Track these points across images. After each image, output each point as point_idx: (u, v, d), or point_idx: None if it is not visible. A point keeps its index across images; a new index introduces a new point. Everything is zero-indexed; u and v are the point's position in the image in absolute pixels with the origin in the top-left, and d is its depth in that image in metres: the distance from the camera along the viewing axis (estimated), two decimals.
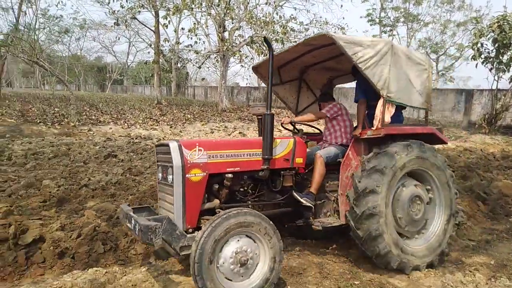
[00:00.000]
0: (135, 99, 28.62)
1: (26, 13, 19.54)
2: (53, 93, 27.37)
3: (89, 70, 54.90)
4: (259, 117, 3.89)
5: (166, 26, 18.87)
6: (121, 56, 56.05)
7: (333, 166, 3.85)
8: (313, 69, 4.94)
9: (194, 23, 20.14)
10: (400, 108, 4.07)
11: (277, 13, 20.90)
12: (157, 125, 16.63)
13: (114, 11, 20.18)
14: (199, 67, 24.83)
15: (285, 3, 22.05)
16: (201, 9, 19.10)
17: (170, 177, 3.20)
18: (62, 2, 19.88)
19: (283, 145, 3.71)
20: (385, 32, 37.87)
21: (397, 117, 4.03)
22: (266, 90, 3.61)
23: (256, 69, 4.90)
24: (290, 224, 3.99)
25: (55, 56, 28.47)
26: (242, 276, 2.90)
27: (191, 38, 20.40)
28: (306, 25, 21.56)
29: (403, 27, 38.50)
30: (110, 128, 15.29)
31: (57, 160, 8.21)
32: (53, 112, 17.29)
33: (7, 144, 9.86)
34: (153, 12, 22.92)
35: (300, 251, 4.02)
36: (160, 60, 25.42)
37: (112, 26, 23.28)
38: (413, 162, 3.65)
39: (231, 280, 2.85)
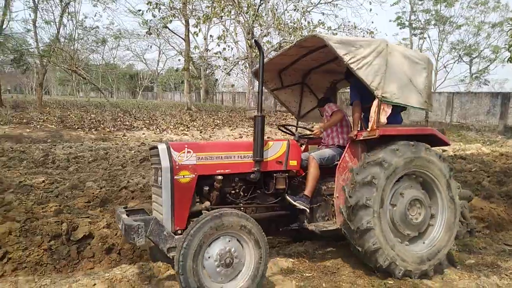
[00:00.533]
0: (165, 105, 29.44)
1: (65, 26, 20.60)
2: (88, 100, 28.61)
3: (121, 77, 56.90)
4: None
5: (197, 34, 19.46)
6: (152, 63, 57.81)
7: (331, 169, 3.74)
8: (315, 73, 4.85)
9: (223, 31, 20.58)
10: (399, 109, 3.97)
11: (305, 19, 21.01)
12: (187, 130, 17.08)
13: (147, 20, 20.95)
14: (228, 74, 25.26)
15: (313, 8, 22.15)
16: (230, 16, 19.51)
17: (159, 178, 3.24)
18: (99, 13, 20.78)
19: (276, 148, 3.70)
20: (415, 35, 37.15)
21: (394, 118, 3.91)
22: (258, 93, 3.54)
23: (256, 73, 4.64)
24: (285, 228, 3.93)
25: (90, 65, 29.74)
26: (227, 277, 2.89)
27: (220, 45, 20.85)
28: (334, 30, 21.54)
29: (434, 30, 37.51)
30: (143, 134, 15.86)
31: (96, 164, 8.66)
32: (89, 118, 18.08)
33: (50, 149, 10.48)
34: (183, 21, 23.60)
35: (333, 251, 4.11)
36: (190, 67, 26.05)
37: (144, 35, 24.09)
38: (405, 165, 3.51)
39: (216, 281, 2.86)
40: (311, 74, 4.89)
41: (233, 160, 3.52)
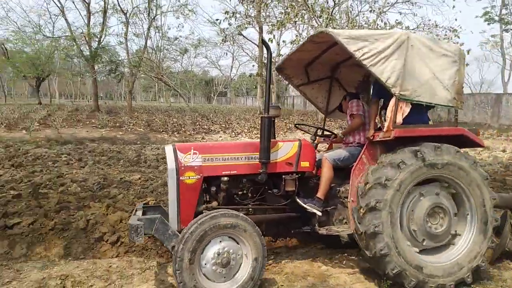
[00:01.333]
0: (239, 109, 30.55)
1: (151, 37, 22.55)
2: (170, 105, 30.79)
3: (197, 83, 60.22)
4: (272, 119, 3.79)
5: (271, 41, 19.93)
6: (225, 69, 60.21)
7: (350, 170, 3.50)
8: (344, 66, 4.48)
9: (296, 35, 20.83)
10: (424, 107, 3.60)
11: (381, 20, 20.41)
12: None
13: (224, 29, 22.04)
14: None
15: (389, 8, 21.41)
16: (303, 21, 19.71)
17: (167, 179, 3.34)
18: (181, 24, 22.40)
19: (286, 149, 3.60)
20: (506, 31, 33.80)
21: (420, 117, 3.62)
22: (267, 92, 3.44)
23: (280, 69, 4.50)
24: (297, 230, 3.85)
25: (172, 72, 32.04)
26: (224, 277, 2.93)
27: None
28: (413, 29, 20.58)
29: None
30: (220, 137, 16.72)
31: None
32: (172, 122, 19.53)
33: (140, 150, 11.62)
34: (257, 28, 24.34)
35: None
36: (263, 73, 26.74)
37: (220, 43, 25.34)
38: (426, 169, 3.21)
39: (212, 280, 2.90)
40: (340, 67, 4.55)
41: (239, 162, 3.50)
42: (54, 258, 4.02)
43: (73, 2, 22.20)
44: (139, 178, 7.31)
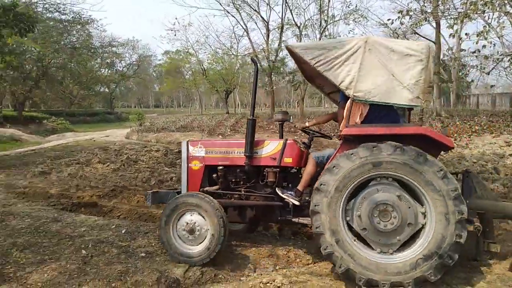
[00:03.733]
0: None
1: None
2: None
3: None
4: (279, 123, 4.78)
5: (453, 36, 18.21)
6: None
7: None
8: None
9: (484, 26, 18.38)
10: (392, 108, 3.69)
11: None
12: None
13: (396, 29, 21.27)
14: (488, 73, 22.23)
15: None
16: (494, 9, 17.27)
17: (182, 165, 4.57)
18: (352, 31, 22.80)
19: (271, 146, 4.31)
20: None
21: (390, 117, 3.72)
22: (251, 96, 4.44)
23: (311, 80, 4.90)
24: (280, 218, 4.31)
25: None
26: (191, 242, 4.02)
27: (478, 43, 18.69)
28: None
29: None
30: None
31: None
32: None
33: None
34: (434, 24, 22.51)
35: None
36: (440, 71, 24.49)
37: None
38: (365, 169, 3.37)
39: (183, 243, 4.05)
40: None
41: (231, 155, 4.43)
42: None
43: (255, 23, 25.14)
44: None
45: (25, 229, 5.03)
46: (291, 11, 22.68)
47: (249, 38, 25.02)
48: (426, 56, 3.51)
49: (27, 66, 29.58)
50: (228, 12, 24.69)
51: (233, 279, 3.82)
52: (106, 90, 57.23)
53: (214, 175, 4.50)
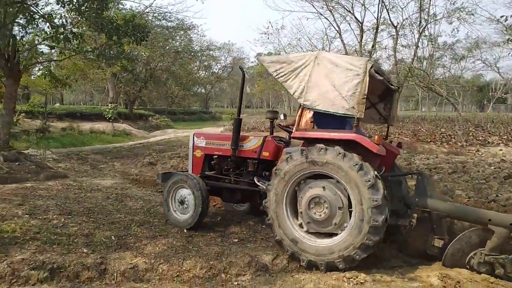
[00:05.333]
0: None
1: (419, 47, 22.27)
2: (436, 115, 29.18)
3: (467, 90, 53.70)
4: (270, 120, 5.36)
5: None
6: (507, 71, 50.70)
7: None
8: (370, 78, 4.11)
9: None
10: (336, 116, 4.07)
11: None
12: None
13: (510, 26, 19.05)
14: None
15: None
16: None
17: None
18: (456, 29, 21.10)
19: (253, 141, 5.12)
20: None
21: (330, 123, 4.35)
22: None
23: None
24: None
25: (442, 80, 30.10)
26: (182, 210, 5.13)
27: None
28: None
29: None
30: (500, 150, 14.68)
31: (457, 175, 9.14)
32: (440, 132, 18.64)
33: (410, 158, 11.93)
34: None
35: None
36: None
37: (506, 42, 21.97)
38: (307, 165, 3.98)
39: (177, 212, 5.18)
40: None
41: (223, 147, 5.33)
42: None
43: (349, 24, 24.71)
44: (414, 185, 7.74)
45: (139, 210, 5.91)
46: (387, 10, 21.79)
47: (342, 40, 24.67)
48: (363, 71, 3.85)
49: (137, 69, 33.27)
50: (321, 14, 24.68)
51: (317, 271, 4.06)
52: (203, 91, 61.36)
53: (212, 162, 5.49)
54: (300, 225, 4.15)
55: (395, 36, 22.38)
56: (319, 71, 4.10)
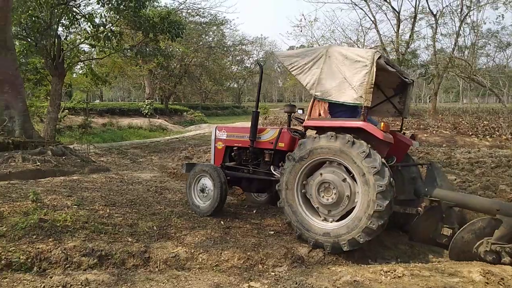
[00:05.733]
0: None
1: (462, 35, 21.25)
2: (478, 107, 27.85)
3: None
4: (288, 114, 5.44)
5: None
6: None
7: None
8: (381, 70, 4.37)
9: None
10: (349, 106, 4.34)
11: None
12: None
13: None
14: None
15: None
16: None
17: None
18: (500, 15, 19.94)
19: (270, 133, 5.36)
20: None
21: (343, 113, 4.62)
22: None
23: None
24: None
25: (485, 70, 28.62)
26: (203, 198, 5.45)
27: None
28: None
29: None
30: None
31: (501, 170, 8.74)
32: (482, 125, 17.81)
33: (450, 152, 11.52)
34: None
35: None
36: None
37: None
38: (317, 151, 4.24)
39: (199, 199, 5.50)
40: (379, 72, 4.44)
41: (242, 139, 5.59)
42: None
43: (385, 14, 23.99)
44: (455, 179, 7.49)
45: (178, 202, 6.13)
46: None
47: (377, 30, 23.99)
48: (370, 62, 4.08)
49: (172, 65, 34.03)
50: (356, 5, 24.14)
51: (353, 264, 4.07)
52: (235, 85, 61.78)
53: (232, 154, 5.82)
54: (310, 209, 4.46)
55: (434, 25, 21.52)
56: (330, 64, 4.33)
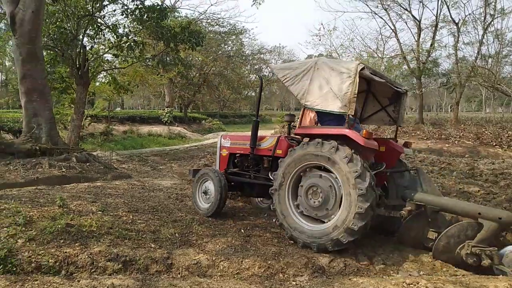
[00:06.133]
0: None
1: (485, 44, 20.84)
2: (502, 116, 27.14)
3: None
4: (288, 123, 5.83)
5: None
6: None
7: None
8: (377, 82, 4.94)
9: None
10: (336, 115, 4.58)
11: None
12: None
13: None
14: None
15: None
16: None
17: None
18: None
19: (269, 141, 5.62)
20: None
21: (335, 122, 4.84)
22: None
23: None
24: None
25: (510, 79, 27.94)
26: (205, 200, 5.89)
27: None
28: None
29: None
30: None
31: None
32: (507, 135, 17.35)
33: (472, 163, 11.26)
34: None
35: None
36: None
37: None
38: (305, 157, 4.59)
39: (202, 201, 5.96)
40: (373, 82, 5.17)
41: (244, 146, 5.88)
42: None
43: (405, 23, 23.82)
44: (479, 191, 7.33)
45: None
46: (448, 6, 20.70)
47: (397, 39, 23.80)
48: (354, 73, 4.36)
49: (191, 74, 34.54)
50: (376, 14, 24.05)
51: (375, 276, 4.03)
52: (253, 94, 62.08)
53: (235, 160, 6.16)
54: (300, 212, 4.74)
55: (456, 34, 21.19)
56: (318, 75, 4.65)
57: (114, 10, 15.94)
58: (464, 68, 20.65)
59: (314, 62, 4.74)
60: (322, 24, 51.66)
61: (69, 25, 13.33)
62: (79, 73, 13.69)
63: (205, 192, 5.89)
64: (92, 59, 14.40)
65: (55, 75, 15.77)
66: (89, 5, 13.53)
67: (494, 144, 15.68)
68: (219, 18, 33.33)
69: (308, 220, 4.67)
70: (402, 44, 23.74)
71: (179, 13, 31.73)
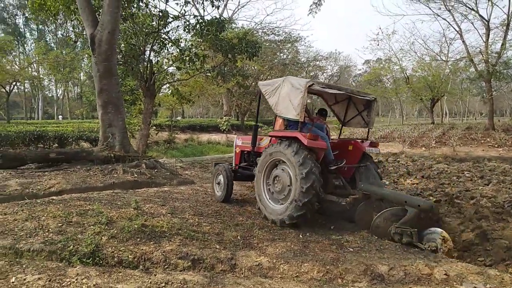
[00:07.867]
0: None
1: None
2: None
3: None
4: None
5: None
6: None
7: None
8: (336, 94, 6.66)
9: None
10: (297, 121, 5.84)
11: None
12: None
13: None
14: None
15: None
16: None
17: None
18: None
19: (265, 141, 7.05)
20: None
21: (293, 127, 6.32)
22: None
23: (316, 93, 7.36)
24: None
25: None
26: (219, 189, 7.37)
27: None
28: None
29: None
30: None
31: None
32: None
33: None
34: None
35: None
36: None
37: None
38: (273, 153, 6.02)
39: (217, 190, 7.46)
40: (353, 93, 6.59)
41: (249, 145, 7.31)
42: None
43: (472, 23, 22.49)
44: None
45: (258, 214, 6.49)
46: None
47: (463, 41, 22.51)
48: (304, 88, 5.60)
49: (248, 83, 35.38)
50: (438, 15, 22.98)
51: (437, 286, 3.99)
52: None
53: (245, 156, 7.60)
54: (271, 195, 6.14)
55: None
56: (284, 91, 5.98)
57: (178, 26, 17.03)
58: None
59: (282, 80, 6.10)
60: (380, 28, 50.14)
61: (137, 41, 14.49)
62: (146, 85, 14.78)
63: (219, 183, 7.40)
64: (157, 72, 15.48)
65: (124, 88, 17.16)
66: (155, 22, 14.61)
67: None
68: (275, 27, 33.84)
69: (275, 202, 6.05)
70: (468, 46, 22.41)
71: (236, 24, 32.79)
